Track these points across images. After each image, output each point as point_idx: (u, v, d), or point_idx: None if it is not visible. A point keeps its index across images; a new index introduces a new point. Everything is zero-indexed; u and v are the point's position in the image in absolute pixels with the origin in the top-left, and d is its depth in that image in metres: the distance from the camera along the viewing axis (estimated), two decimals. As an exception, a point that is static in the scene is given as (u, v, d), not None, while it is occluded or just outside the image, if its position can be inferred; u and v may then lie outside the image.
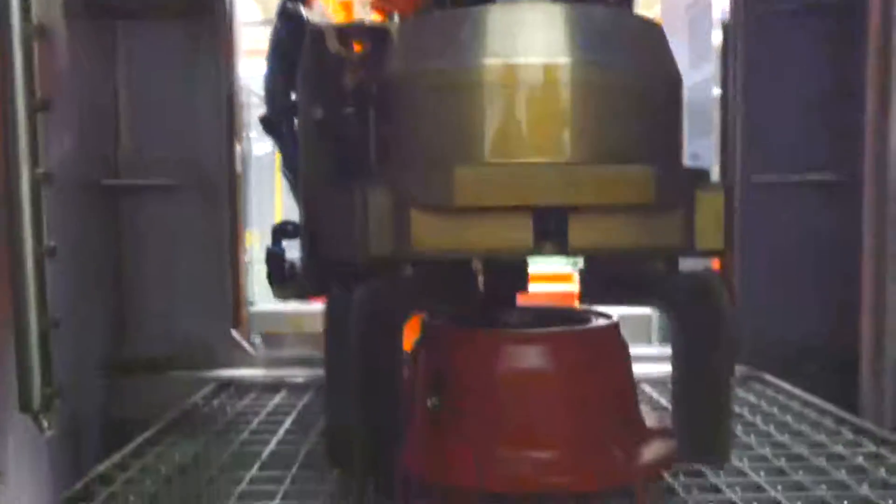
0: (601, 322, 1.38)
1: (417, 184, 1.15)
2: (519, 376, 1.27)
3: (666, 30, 1.28)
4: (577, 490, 1.21)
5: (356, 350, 1.15)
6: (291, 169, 1.94)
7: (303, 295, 1.46)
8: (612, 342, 1.36)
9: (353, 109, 1.27)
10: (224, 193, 2.43)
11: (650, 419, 1.39)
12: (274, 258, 1.56)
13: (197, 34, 2.41)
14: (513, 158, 1.15)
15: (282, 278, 1.55)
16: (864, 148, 2.10)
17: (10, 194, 1.43)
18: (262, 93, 1.85)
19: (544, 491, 1.21)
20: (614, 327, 1.36)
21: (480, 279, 1.70)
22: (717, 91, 2.53)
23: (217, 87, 2.41)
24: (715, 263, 1.93)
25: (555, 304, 1.67)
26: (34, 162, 1.45)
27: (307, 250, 1.38)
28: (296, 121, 1.41)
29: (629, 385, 1.38)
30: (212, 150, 2.42)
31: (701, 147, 3.59)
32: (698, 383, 1.25)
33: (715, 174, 2.51)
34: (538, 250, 1.14)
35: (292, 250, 1.51)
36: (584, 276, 1.39)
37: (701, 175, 1.26)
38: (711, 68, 2.64)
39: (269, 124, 1.65)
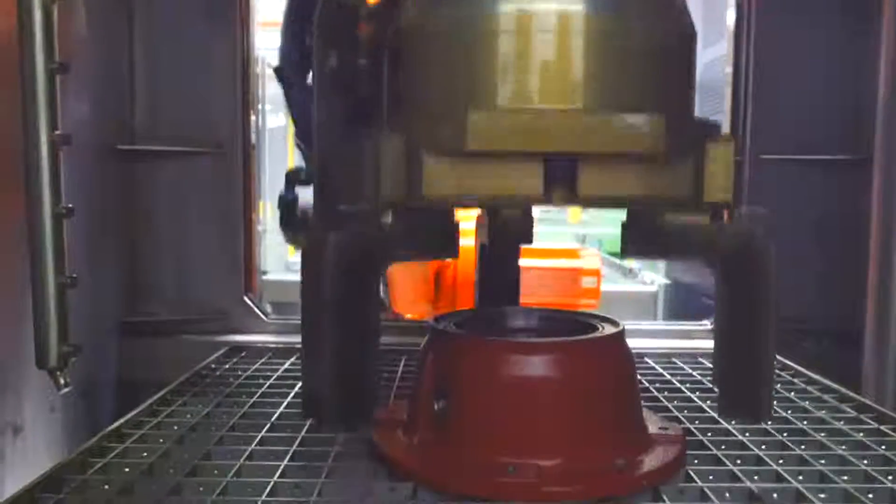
0: (607, 330, 1.36)
1: (430, 129, 1.15)
2: (523, 386, 1.26)
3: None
4: (579, 499, 1.20)
5: (328, 294, 1.15)
6: (302, 135, 1.91)
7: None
8: (617, 351, 1.34)
9: (366, 61, 1.27)
10: (238, 161, 2.45)
11: (653, 425, 1.39)
12: (287, 204, 1.55)
13: (214, 2, 2.42)
14: (525, 104, 1.14)
15: (294, 223, 1.54)
16: (876, 128, 2.11)
17: (29, 156, 1.44)
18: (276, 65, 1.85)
19: (547, 500, 1.20)
20: (619, 335, 1.35)
21: (483, 229, 1.69)
22: (728, 70, 2.53)
23: (233, 56, 2.43)
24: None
25: (560, 309, 1.66)
26: (52, 124, 1.46)
27: (320, 197, 1.37)
28: (309, 74, 1.41)
29: (633, 393, 1.38)
30: (226, 118, 2.44)
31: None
32: (740, 338, 1.22)
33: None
34: (547, 198, 1.14)
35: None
36: (626, 228, 1.35)
37: (711, 127, 1.25)
38: (724, 47, 2.65)
39: (283, 74, 1.64)
